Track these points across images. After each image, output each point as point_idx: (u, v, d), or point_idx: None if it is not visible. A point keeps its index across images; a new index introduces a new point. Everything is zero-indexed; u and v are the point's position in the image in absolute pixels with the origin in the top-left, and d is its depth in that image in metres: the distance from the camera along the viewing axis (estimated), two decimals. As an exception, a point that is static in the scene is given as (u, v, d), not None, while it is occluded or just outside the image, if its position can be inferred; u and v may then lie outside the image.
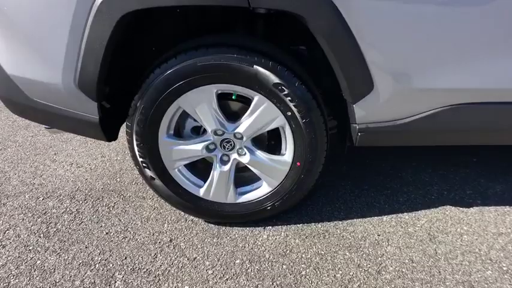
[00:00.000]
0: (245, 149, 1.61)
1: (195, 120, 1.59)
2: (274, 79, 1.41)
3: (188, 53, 1.40)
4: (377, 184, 2.04)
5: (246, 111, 1.55)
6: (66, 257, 1.66)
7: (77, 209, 1.97)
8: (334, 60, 1.34)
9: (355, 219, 1.80)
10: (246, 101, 1.55)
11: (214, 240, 1.72)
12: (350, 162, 2.24)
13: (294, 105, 1.45)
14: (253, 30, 1.68)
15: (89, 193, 2.09)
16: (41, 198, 2.07)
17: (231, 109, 1.61)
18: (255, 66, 1.39)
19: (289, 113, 1.47)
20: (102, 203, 2.01)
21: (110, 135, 1.64)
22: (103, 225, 1.85)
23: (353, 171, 2.16)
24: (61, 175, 2.27)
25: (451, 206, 1.87)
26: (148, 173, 1.64)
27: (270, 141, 1.71)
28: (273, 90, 1.42)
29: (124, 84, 1.67)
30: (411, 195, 1.95)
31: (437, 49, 1.31)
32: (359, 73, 1.36)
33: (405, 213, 1.82)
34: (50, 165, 2.38)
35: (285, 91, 1.42)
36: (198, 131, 1.66)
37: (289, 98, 1.43)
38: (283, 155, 1.60)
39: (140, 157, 1.60)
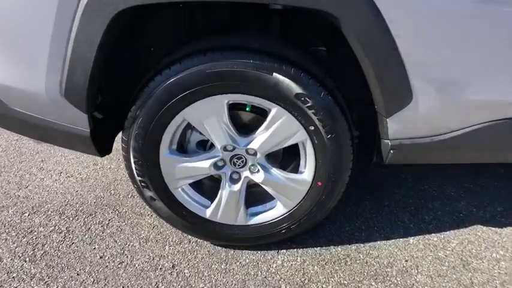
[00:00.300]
0: (258, 166, 1.41)
1: (201, 133, 1.39)
2: (296, 89, 1.20)
3: (195, 57, 1.19)
4: (399, 199, 1.86)
5: (260, 122, 1.35)
6: (55, 287, 1.46)
7: (66, 228, 1.76)
8: (369, 67, 1.14)
9: (378, 242, 1.61)
10: (261, 112, 1.35)
11: (222, 266, 1.53)
12: (365, 174, 2.05)
13: (318, 119, 1.25)
14: (265, 29, 1.47)
15: (80, 208, 1.89)
16: (27, 214, 1.86)
17: (242, 120, 1.41)
18: (274, 74, 1.18)
19: (312, 128, 1.27)
20: (95, 220, 1.80)
21: (103, 149, 1.43)
22: (96, 247, 1.64)
23: (371, 183, 1.97)
24: (49, 186, 2.06)
25: (482, 226, 1.69)
26: (148, 193, 1.43)
27: (283, 155, 1.51)
28: (295, 101, 1.22)
29: (118, 90, 1.45)
30: (437, 213, 1.77)
31: (496, 54, 1.12)
32: (397, 83, 1.16)
33: (433, 234, 1.65)
34: (37, 175, 2.16)
35: (308, 103, 1.22)
36: (205, 146, 1.46)
37: (313, 111, 1.23)
38: (302, 173, 1.41)
39: (138, 176, 1.39)
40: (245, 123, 1.41)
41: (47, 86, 1.24)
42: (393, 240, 1.62)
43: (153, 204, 1.47)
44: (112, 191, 2.00)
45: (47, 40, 1.15)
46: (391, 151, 1.31)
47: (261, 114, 1.36)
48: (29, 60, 1.22)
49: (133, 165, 1.37)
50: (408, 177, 2.01)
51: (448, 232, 1.65)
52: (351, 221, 1.73)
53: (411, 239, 1.62)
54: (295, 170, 1.49)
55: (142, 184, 1.41)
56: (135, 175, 1.40)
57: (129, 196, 1.96)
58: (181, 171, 1.39)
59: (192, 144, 1.44)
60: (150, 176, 1.39)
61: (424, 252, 1.56)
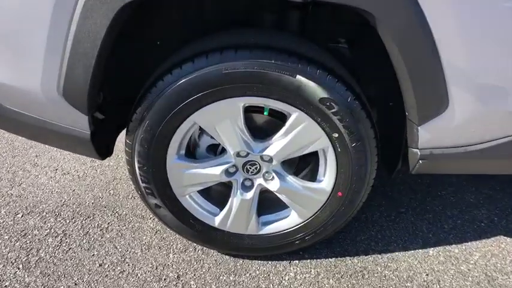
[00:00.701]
0: (273, 173, 1.30)
1: (212, 137, 1.27)
2: (321, 93, 1.09)
3: (210, 56, 1.07)
4: (415, 206, 1.76)
5: (277, 127, 1.24)
6: (50, 298, 1.36)
7: (63, 231, 1.65)
8: (405, 71, 1.03)
9: (396, 253, 1.52)
10: (278, 115, 1.24)
11: (231, 278, 1.43)
12: (380, 177, 1.94)
13: (343, 126, 1.13)
14: (281, 24, 1.34)
15: (77, 209, 1.77)
16: (20, 215, 1.74)
17: (256, 124, 1.29)
18: (298, 76, 1.07)
19: (336, 135, 1.16)
20: (93, 223, 1.69)
21: (104, 151, 1.32)
22: (95, 253, 1.54)
23: (385, 188, 1.87)
24: (44, 184, 1.94)
25: (505, 237, 1.61)
26: (153, 200, 1.32)
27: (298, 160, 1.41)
28: (319, 106, 1.10)
29: (122, 88, 1.33)
30: (457, 221, 1.68)
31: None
32: (434, 89, 1.05)
33: (454, 245, 1.56)
34: (31, 171, 2.04)
35: (333, 108, 1.11)
36: (215, 150, 1.34)
37: (339, 117, 1.12)
38: (320, 181, 1.30)
39: (143, 182, 1.28)
40: (259, 126, 1.29)
41: (43, 84, 1.11)
42: (412, 251, 1.53)
43: (158, 212, 1.36)
44: (111, 191, 1.89)
45: (43, 33, 1.02)
46: (420, 161, 1.21)
47: (279, 118, 1.25)
48: (22, 55, 1.09)
49: (137, 171, 1.26)
50: (424, 182, 1.92)
51: (469, 243, 1.57)
52: (366, 229, 1.64)
53: (431, 251, 1.53)
54: (310, 177, 1.39)
55: (147, 191, 1.30)
56: (139, 181, 1.28)
57: (130, 197, 1.84)
58: (190, 178, 1.28)
59: (201, 149, 1.32)
60: (155, 183, 1.27)
61: (446, 265, 1.47)
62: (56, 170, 2.05)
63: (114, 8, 0.94)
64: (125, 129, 1.52)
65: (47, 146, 2.25)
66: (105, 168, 2.05)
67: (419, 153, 1.19)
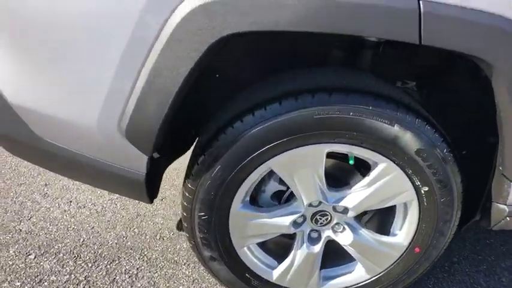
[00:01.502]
0: (345, 225, 1.18)
1: (280, 183, 1.15)
2: (418, 144, 0.99)
3: (300, 98, 0.95)
4: (467, 255, 1.67)
5: (351, 174, 1.13)
6: None
7: (85, 277, 1.45)
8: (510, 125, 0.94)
9: (458, 310, 1.42)
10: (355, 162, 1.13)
11: None
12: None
13: (436, 180, 1.03)
14: (352, 62, 1.25)
15: (99, 250, 1.58)
16: (33, 256, 1.53)
17: (328, 170, 1.18)
18: (396, 125, 0.96)
19: (426, 188, 1.05)
20: (119, 268, 1.50)
21: (153, 194, 1.16)
22: (126, 306, 1.35)
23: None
24: (57, 219, 1.73)
25: None
26: (208, 252, 1.16)
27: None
28: (414, 158, 1.00)
29: (182, 124, 1.19)
30: (513, 274, 1.59)
31: None
32: (542, 146, 0.97)
33: (515, 303, 1.46)
34: (41, 203, 1.83)
35: (429, 160, 1.00)
36: (279, 196, 1.21)
37: (433, 170, 1.02)
38: (395, 235, 1.19)
39: (200, 232, 1.12)
40: (331, 173, 1.17)
41: (101, 118, 0.97)
42: (474, 308, 1.43)
43: (211, 265, 1.20)
44: (136, 230, 1.70)
45: (114, 60, 0.88)
46: (508, 218, 1.11)
47: (355, 166, 1.14)
48: (78, 84, 0.95)
49: (196, 220, 1.10)
50: (469, 228, 1.83)
51: (531, 300, 1.48)
52: (422, 281, 1.51)
53: (493, 308, 1.43)
54: (377, 227, 1.28)
55: (204, 242, 1.14)
56: (196, 231, 1.13)
57: (158, 237, 1.67)
58: (255, 228, 1.14)
59: (266, 195, 1.18)
60: (214, 233, 1.12)
61: (513, 326, 1.37)
62: (70, 202, 1.85)
63: (209, 41, 0.82)
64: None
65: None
66: (125, 202, 1.87)
67: (507, 210, 1.10)
